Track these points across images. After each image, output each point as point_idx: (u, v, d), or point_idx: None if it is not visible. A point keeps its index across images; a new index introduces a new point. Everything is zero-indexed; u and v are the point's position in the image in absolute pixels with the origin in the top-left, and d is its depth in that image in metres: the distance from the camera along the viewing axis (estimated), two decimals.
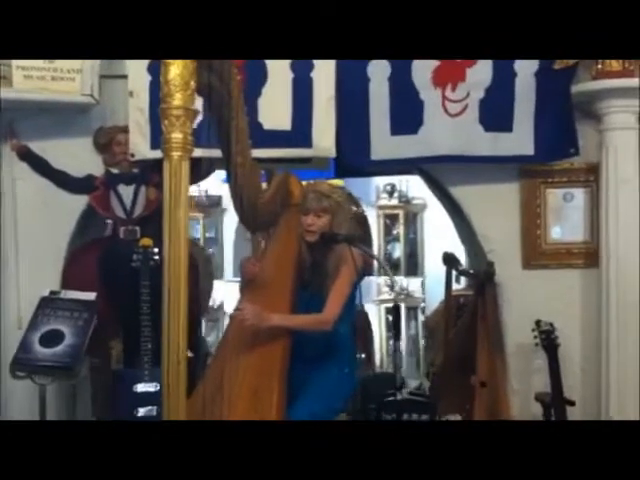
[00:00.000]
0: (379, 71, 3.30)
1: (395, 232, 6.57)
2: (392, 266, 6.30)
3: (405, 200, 6.36)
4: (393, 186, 6.32)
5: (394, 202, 6.38)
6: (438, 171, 3.57)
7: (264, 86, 3.31)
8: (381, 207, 6.45)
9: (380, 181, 6.28)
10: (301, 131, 3.32)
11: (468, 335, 3.57)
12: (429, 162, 3.41)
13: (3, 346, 3.34)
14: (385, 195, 6.40)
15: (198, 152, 2.82)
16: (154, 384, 3.19)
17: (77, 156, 3.50)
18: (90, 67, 3.20)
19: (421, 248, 6.44)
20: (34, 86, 3.16)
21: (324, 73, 3.30)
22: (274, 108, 3.32)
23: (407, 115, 3.30)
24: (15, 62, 3.11)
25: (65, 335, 3.14)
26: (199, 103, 2.32)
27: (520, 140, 3.29)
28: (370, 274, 2.48)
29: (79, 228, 3.60)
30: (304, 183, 2.80)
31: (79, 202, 3.54)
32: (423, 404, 3.59)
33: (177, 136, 2.05)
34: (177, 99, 2.04)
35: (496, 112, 3.28)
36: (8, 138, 3.44)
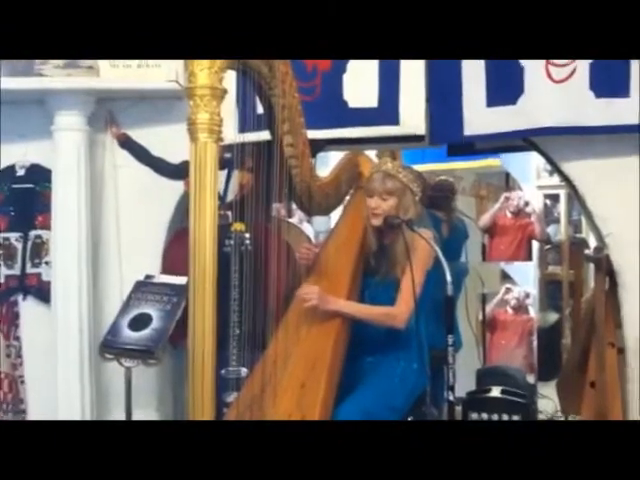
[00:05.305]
0: None
1: (556, 213, 6.06)
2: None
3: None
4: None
5: (555, 181, 5.68)
6: (548, 144, 3.18)
7: (348, 61, 3.13)
8: (541, 187, 5.94)
9: (540, 158, 5.79)
10: (388, 107, 3.08)
11: (588, 329, 3.26)
12: (531, 135, 3.02)
13: (105, 330, 3.45)
14: (545, 174, 5.85)
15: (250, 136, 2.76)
16: (240, 369, 3.16)
17: (173, 143, 3.52)
18: None
19: (586, 231, 5.81)
20: (121, 75, 3.19)
21: None
22: (359, 84, 3.12)
23: (505, 84, 2.94)
24: None
25: (153, 319, 3.19)
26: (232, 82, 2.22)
27: (639, 106, 2.83)
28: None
29: (178, 213, 3.64)
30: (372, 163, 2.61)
31: (177, 188, 3.57)
32: (515, 404, 3.23)
33: (203, 117, 1.96)
34: (201, 77, 1.94)
35: (609, 75, 2.83)
36: (108, 126, 3.56)
